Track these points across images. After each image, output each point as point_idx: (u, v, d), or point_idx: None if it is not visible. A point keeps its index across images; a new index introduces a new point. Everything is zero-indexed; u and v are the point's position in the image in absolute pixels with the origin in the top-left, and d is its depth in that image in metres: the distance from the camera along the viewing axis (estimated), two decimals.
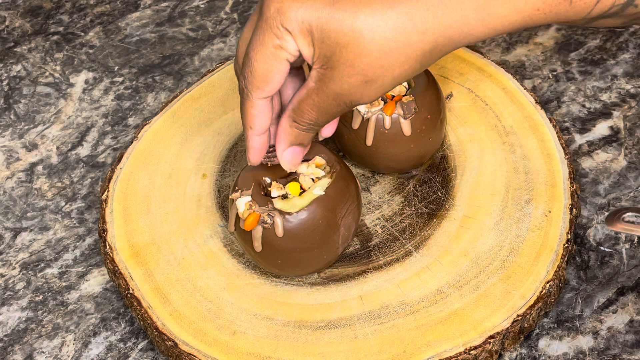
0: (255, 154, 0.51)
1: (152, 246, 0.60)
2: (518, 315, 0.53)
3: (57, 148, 0.71)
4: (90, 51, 0.80)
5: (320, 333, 0.54)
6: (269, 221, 0.53)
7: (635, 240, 0.60)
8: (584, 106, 0.69)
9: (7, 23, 0.85)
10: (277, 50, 0.45)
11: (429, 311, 0.54)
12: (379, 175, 0.64)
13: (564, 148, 0.63)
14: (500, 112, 0.66)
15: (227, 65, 0.73)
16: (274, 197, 0.54)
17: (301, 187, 0.54)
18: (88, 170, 0.69)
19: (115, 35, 0.82)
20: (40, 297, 0.61)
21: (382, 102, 0.59)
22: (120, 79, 0.77)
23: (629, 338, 0.55)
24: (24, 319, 0.60)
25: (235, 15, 0.83)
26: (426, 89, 0.60)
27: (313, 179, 0.55)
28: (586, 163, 0.65)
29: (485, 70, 0.69)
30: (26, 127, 0.73)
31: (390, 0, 0.42)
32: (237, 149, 0.66)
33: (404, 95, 0.59)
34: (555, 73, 0.72)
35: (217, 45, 0.80)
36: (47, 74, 0.79)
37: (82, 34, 0.83)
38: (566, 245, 0.57)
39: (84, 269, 0.62)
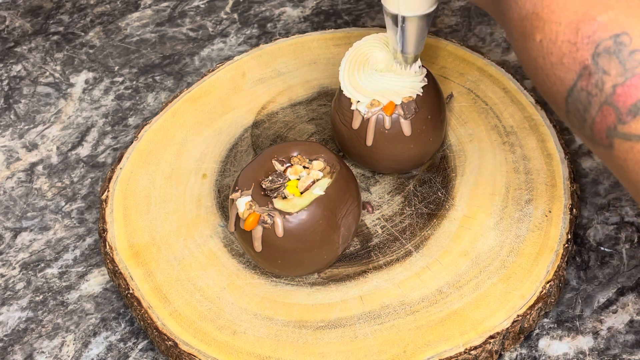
0: None
1: (152, 246, 0.60)
2: (518, 316, 0.53)
3: (57, 148, 0.71)
4: (91, 51, 0.80)
5: (321, 333, 0.54)
6: (269, 221, 0.53)
7: (635, 240, 0.60)
8: None
9: (7, 23, 0.85)
10: None
11: (429, 311, 0.54)
12: (379, 175, 0.64)
13: (564, 148, 0.63)
14: (501, 112, 0.66)
15: (227, 65, 0.73)
16: (275, 196, 0.54)
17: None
18: (88, 170, 0.69)
19: (115, 35, 0.82)
20: (40, 297, 0.61)
21: (382, 102, 0.59)
22: (120, 79, 0.77)
23: (629, 338, 0.55)
24: (24, 319, 0.60)
25: (235, 15, 0.83)
26: (426, 89, 0.60)
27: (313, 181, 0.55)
28: (586, 163, 0.65)
29: (485, 71, 0.70)
30: (26, 127, 0.73)
31: None
32: (237, 149, 0.66)
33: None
34: None
35: (217, 45, 0.80)
36: (47, 74, 0.79)
37: (82, 34, 0.83)
38: (566, 245, 0.57)
39: (84, 269, 0.62)
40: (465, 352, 0.52)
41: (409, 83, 0.59)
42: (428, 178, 0.63)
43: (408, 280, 0.56)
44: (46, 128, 0.73)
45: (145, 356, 0.57)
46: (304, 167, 0.56)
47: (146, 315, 0.55)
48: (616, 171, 0.41)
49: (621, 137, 0.39)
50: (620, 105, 0.39)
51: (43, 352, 0.57)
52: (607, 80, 0.39)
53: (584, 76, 0.40)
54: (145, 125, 0.68)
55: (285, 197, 0.54)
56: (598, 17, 0.39)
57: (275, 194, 0.54)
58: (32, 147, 0.72)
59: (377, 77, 0.58)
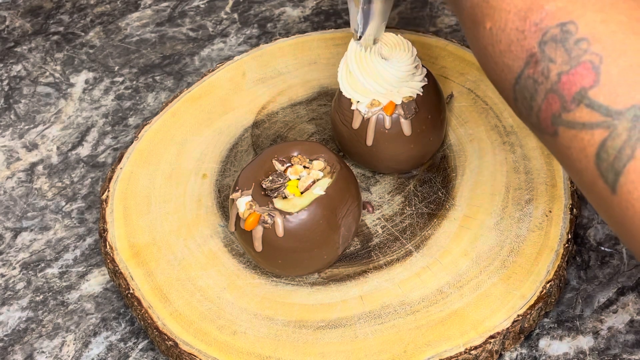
0: None
1: (152, 246, 0.60)
2: (518, 315, 0.53)
3: (58, 148, 0.71)
4: (91, 51, 0.80)
5: (321, 333, 0.54)
6: (269, 221, 0.53)
7: None
8: None
9: (7, 23, 0.85)
10: None
11: (429, 311, 0.54)
12: (379, 175, 0.64)
13: None
14: (501, 112, 0.66)
15: (227, 65, 0.73)
16: (275, 196, 0.54)
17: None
18: (88, 170, 0.69)
19: (115, 35, 0.82)
20: (41, 297, 0.61)
21: (382, 102, 0.59)
22: (120, 79, 0.77)
23: (630, 338, 0.55)
24: (24, 318, 0.60)
25: (235, 15, 0.83)
26: (426, 89, 0.60)
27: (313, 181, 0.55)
28: None
29: None
30: (26, 127, 0.73)
31: None
32: (237, 149, 0.66)
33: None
34: None
35: (217, 45, 0.80)
36: (47, 73, 0.79)
37: (83, 34, 0.83)
38: (566, 245, 0.57)
39: (85, 269, 0.62)
40: (465, 352, 0.52)
41: (400, 69, 0.58)
42: (428, 178, 0.63)
43: (408, 280, 0.56)
44: (46, 128, 0.73)
45: (145, 356, 0.57)
46: (304, 167, 0.56)
47: (146, 315, 0.55)
48: (561, 159, 0.42)
49: (565, 125, 0.40)
50: (565, 93, 0.39)
51: (43, 352, 0.57)
52: (552, 68, 0.39)
53: (530, 64, 0.40)
54: (146, 125, 0.68)
55: (285, 197, 0.54)
56: (546, 5, 0.40)
57: (275, 194, 0.54)
58: (32, 147, 0.72)
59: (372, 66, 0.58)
